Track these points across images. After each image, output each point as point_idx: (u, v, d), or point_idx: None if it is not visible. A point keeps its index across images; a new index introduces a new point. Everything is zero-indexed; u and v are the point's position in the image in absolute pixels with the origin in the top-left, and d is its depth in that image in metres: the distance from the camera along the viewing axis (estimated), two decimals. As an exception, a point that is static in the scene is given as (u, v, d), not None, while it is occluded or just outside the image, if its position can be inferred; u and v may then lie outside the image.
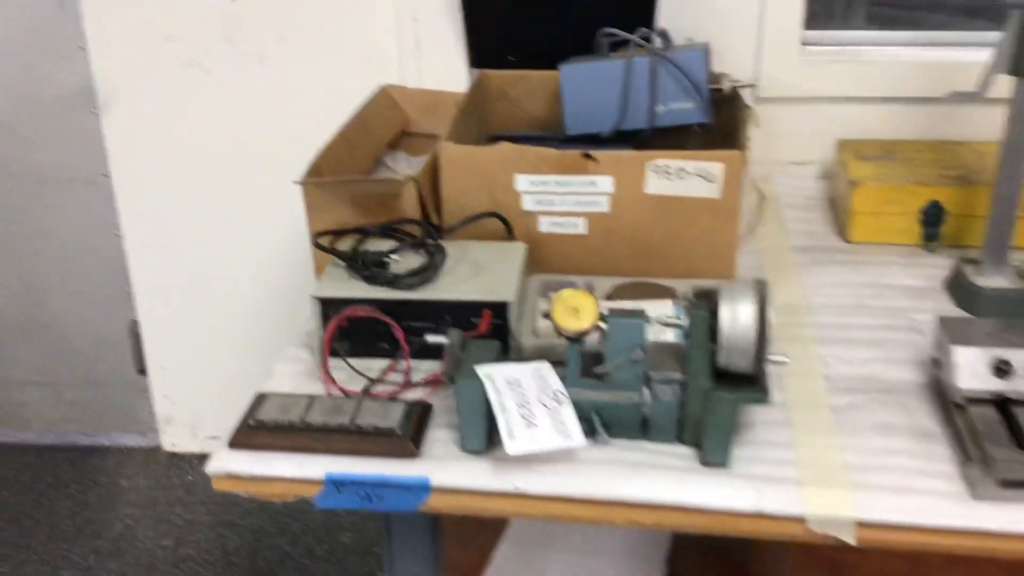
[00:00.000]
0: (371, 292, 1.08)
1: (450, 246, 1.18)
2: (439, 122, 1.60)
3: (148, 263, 1.92)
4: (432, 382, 1.05)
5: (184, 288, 1.92)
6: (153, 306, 1.96)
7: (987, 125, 1.41)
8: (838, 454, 0.93)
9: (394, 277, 1.08)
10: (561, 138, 1.39)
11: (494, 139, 1.44)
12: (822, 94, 1.58)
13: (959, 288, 1.21)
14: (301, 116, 1.75)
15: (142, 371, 2.03)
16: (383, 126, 1.57)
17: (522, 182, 1.21)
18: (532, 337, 1.07)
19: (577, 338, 0.93)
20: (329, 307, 1.08)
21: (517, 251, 1.17)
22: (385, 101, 1.59)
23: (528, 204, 1.22)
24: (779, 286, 1.26)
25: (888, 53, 1.61)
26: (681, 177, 1.18)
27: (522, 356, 1.06)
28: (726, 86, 1.39)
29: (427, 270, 1.10)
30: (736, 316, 0.89)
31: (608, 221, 1.21)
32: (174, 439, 2.09)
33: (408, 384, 1.05)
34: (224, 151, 1.82)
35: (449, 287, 1.08)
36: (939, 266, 1.29)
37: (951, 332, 0.99)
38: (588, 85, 1.36)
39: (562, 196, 1.21)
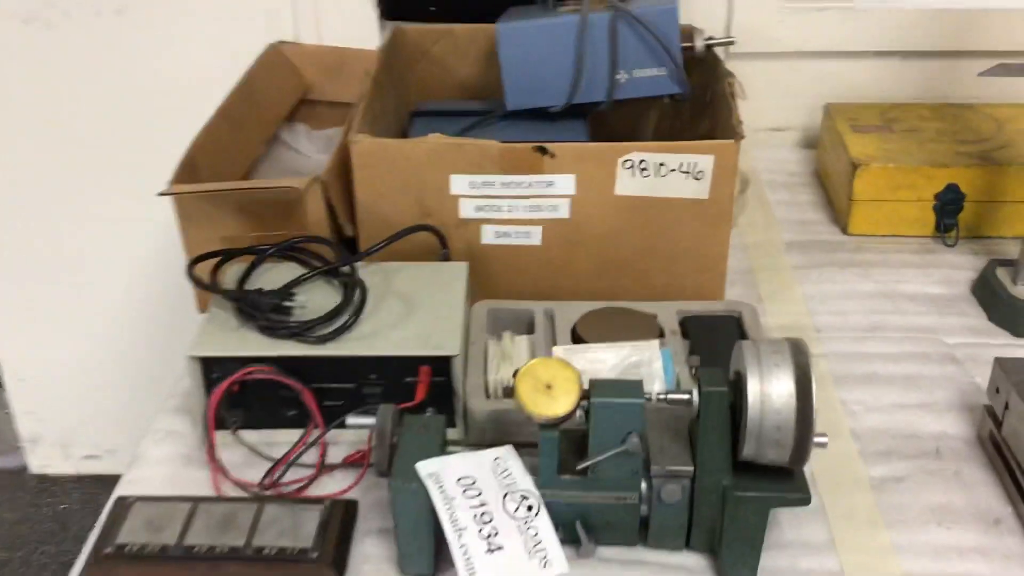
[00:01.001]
0: (270, 347, 0.83)
1: (370, 270, 0.93)
2: (345, 87, 1.34)
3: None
4: (358, 461, 0.82)
5: (42, 291, 1.63)
6: (3, 310, 1.67)
7: (1001, 84, 1.21)
8: (892, 560, 0.74)
9: (300, 326, 0.84)
10: (500, 112, 1.15)
11: (416, 114, 1.19)
12: (804, 48, 1.36)
13: (993, 298, 1.03)
14: (171, 82, 1.45)
15: (-2, 384, 1.74)
16: (276, 95, 1.29)
17: (459, 183, 0.96)
18: (484, 401, 0.84)
19: (553, 424, 0.71)
20: (213, 368, 0.83)
21: (456, 275, 0.93)
22: (277, 63, 1.32)
23: (467, 210, 0.98)
24: (776, 301, 1.06)
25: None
26: (661, 174, 0.95)
27: (473, 426, 0.83)
28: (699, 45, 1.15)
29: (342, 312, 0.85)
30: (769, 395, 0.68)
31: (569, 230, 0.98)
32: (44, 460, 1.81)
33: (324, 468, 0.82)
34: (77, 129, 1.51)
35: (373, 337, 0.84)
36: (961, 265, 1.11)
37: (1017, 381, 0.80)
38: (533, 49, 1.11)
39: (510, 200, 0.97)
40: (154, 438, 0.87)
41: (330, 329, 0.83)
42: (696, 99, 1.15)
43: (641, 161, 0.95)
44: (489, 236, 0.99)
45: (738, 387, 0.71)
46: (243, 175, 1.16)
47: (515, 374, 0.72)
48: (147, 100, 1.48)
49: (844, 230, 1.18)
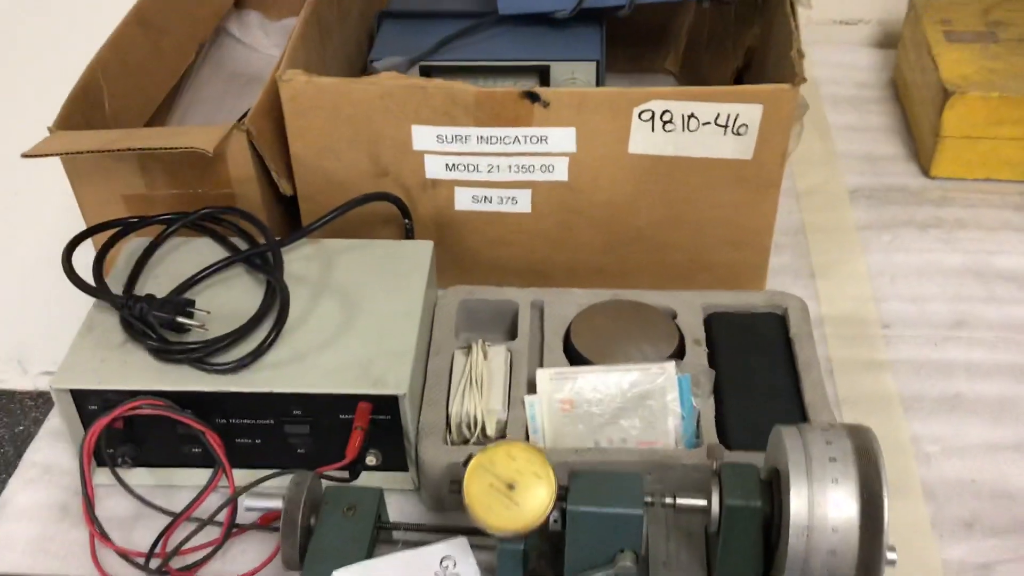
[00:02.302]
0: (160, 377, 0.65)
1: (306, 251, 0.74)
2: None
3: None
4: (272, 522, 0.66)
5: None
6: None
7: None
8: None
9: (201, 348, 0.65)
10: (491, 19, 0.92)
11: (385, 15, 0.96)
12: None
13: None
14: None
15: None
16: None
17: (423, 136, 0.75)
18: (441, 448, 0.66)
19: (516, 537, 0.53)
20: (89, 399, 0.66)
21: (418, 261, 0.74)
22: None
23: (435, 169, 0.77)
24: (833, 277, 0.85)
25: None
26: (690, 128, 0.74)
27: (428, 477, 0.66)
28: (751, -74, 0.90)
29: (257, 327, 0.67)
30: (821, 517, 0.49)
31: (567, 195, 0.78)
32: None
33: (232, 531, 0.65)
34: None
35: (296, 363, 0.65)
36: (1078, 230, 0.89)
37: None
38: (532, -66, 0.88)
39: (490, 158, 0.76)
40: (25, 475, 0.70)
41: (239, 356, 0.65)
42: (743, 5, 0.91)
43: (664, 112, 0.73)
44: (464, 201, 0.79)
45: (774, 488, 0.52)
46: (166, 95, 0.95)
47: (467, 461, 0.53)
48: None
49: (926, 171, 0.95)
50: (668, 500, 0.53)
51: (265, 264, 0.72)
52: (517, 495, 0.52)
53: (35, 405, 1.67)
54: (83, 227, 0.79)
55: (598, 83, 0.89)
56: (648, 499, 0.52)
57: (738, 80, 0.96)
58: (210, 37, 1.06)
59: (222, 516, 0.63)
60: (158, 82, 0.93)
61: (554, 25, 0.92)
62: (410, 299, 0.70)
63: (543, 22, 0.92)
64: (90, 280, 0.70)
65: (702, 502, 0.53)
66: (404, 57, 0.88)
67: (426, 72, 0.89)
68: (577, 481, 0.53)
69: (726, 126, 0.73)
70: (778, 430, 0.53)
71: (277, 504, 0.58)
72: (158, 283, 0.72)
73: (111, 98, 0.85)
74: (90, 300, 0.70)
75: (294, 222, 0.82)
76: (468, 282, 0.80)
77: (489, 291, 0.78)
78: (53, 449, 0.72)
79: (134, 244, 0.75)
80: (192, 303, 0.68)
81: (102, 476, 0.69)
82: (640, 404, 0.67)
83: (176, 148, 0.71)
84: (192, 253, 0.74)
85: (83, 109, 0.81)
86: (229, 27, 1.12)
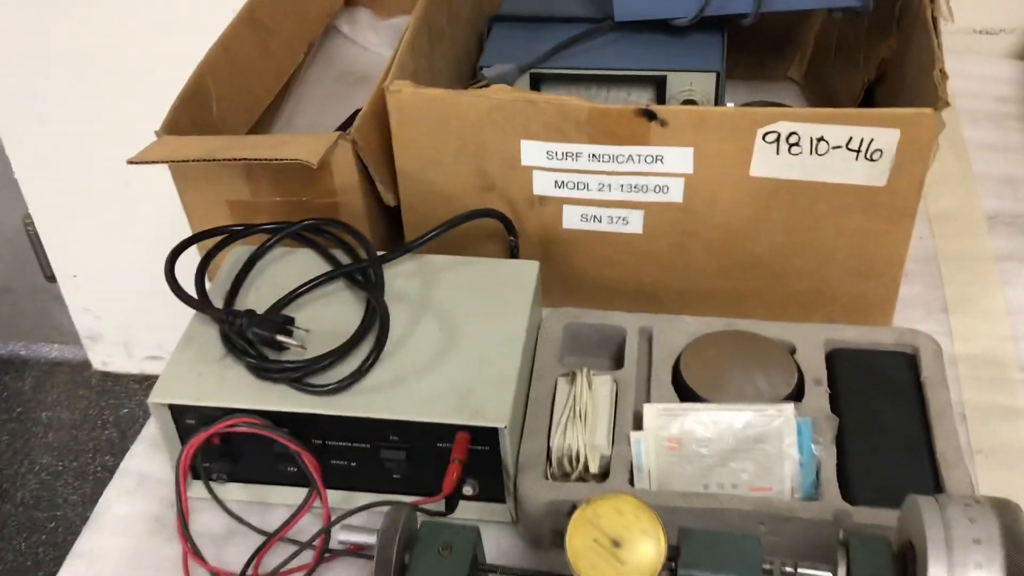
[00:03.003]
0: (258, 395, 0.64)
1: (407, 267, 0.72)
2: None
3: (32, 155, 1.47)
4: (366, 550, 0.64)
5: (90, 186, 1.48)
6: (46, 203, 1.53)
7: None
8: None
9: (299, 368, 0.64)
10: (606, 25, 0.88)
11: (497, 19, 0.93)
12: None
13: None
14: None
15: (51, 278, 1.64)
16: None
17: (532, 152, 0.73)
18: (542, 484, 0.63)
19: (619, 596, 0.50)
20: (187, 413, 0.65)
21: (522, 283, 0.71)
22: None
23: (543, 186, 0.74)
24: (967, 312, 0.80)
25: None
26: (819, 152, 0.69)
27: (527, 513, 0.63)
28: (891, -71, 0.85)
29: (355, 347, 0.65)
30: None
31: (682, 217, 0.74)
32: (106, 358, 1.72)
33: (324, 557, 0.64)
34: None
35: (395, 388, 0.64)
36: None
37: None
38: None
39: (602, 176, 0.73)
40: (122, 485, 0.70)
41: (337, 378, 0.63)
42: (878, 7, 0.86)
43: (791, 134, 0.69)
44: (573, 219, 0.76)
45: (908, 564, 0.48)
46: (276, 96, 0.94)
47: (571, 511, 0.51)
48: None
49: (1074, 198, 0.89)
50: (788, 568, 0.49)
51: (366, 280, 0.70)
52: (623, 553, 0.49)
53: (140, 388, 1.71)
54: (187, 220, 0.79)
55: (717, 95, 0.85)
56: (767, 566, 0.49)
57: (869, 94, 0.90)
58: (319, 36, 1.05)
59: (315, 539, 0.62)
60: (266, 83, 0.92)
61: (672, 32, 0.88)
62: (514, 323, 0.68)
63: (660, 28, 0.88)
64: (192, 289, 0.69)
65: (826, 575, 0.49)
66: (514, 64, 0.85)
67: (537, 80, 0.86)
68: (689, 542, 0.50)
69: (858, 151, 0.69)
70: (914, 500, 0.49)
71: (370, 540, 0.56)
72: (259, 294, 0.71)
73: (219, 100, 0.84)
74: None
75: (397, 232, 0.81)
76: (573, 302, 0.77)
77: (595, 315, 0.75)
78: (150, 459, 0.72)
79: (237, 252, 0.75)
80: (292, 321, 0.66)
81: (196, 489, 0.68)
82: (753, 447, 0.63)
83: (281, 160, 0.69)
84: (294, 264, 0.73)
85: (191, 112, 0.81)
86: (339, 25, 1.11)
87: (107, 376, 1.74)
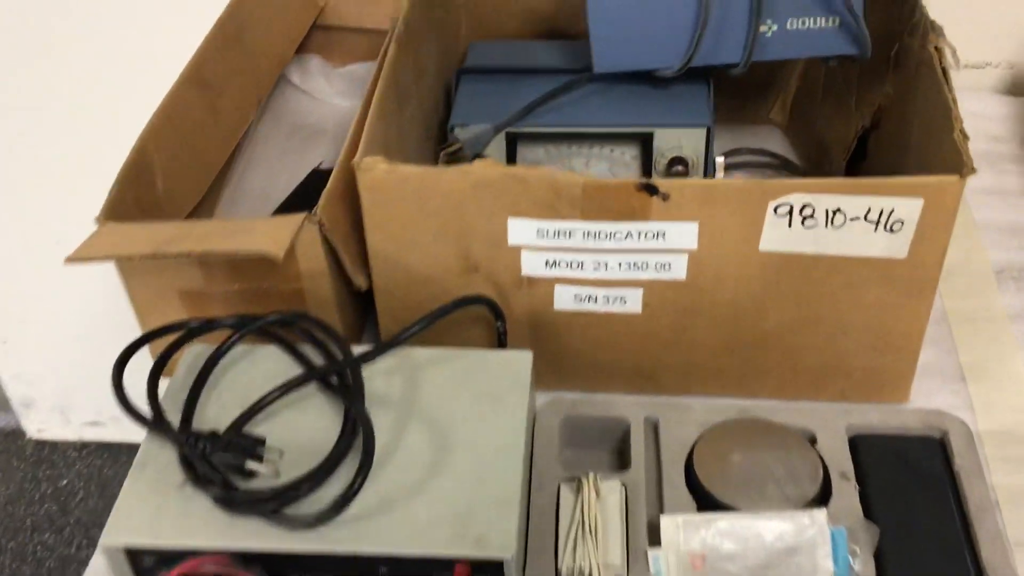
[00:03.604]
0: (224, 531, 0.56)
1: (386, 364, 0.65)
2: (372, 7, 1.03)
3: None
4: None
5: (7, 246, 1.38)
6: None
7: None
8: None
9: (270, 496, 0.57)
10: (585, 77, 0.82)
11: (465, 73, 0.87)
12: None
13: None
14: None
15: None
16: (276, 24, 0.98)
17: (520, 230, 0.66)
18: (553, 616, 0.57)
19: None
20: (144, 556, 0.57)
21: (516, 378, 0.65)
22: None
23: (532, 266, 0.68)
24: (985, 380, 0.75)
25: None
26: (835, 224, 0.64)
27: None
28: (883, -31, 0.80)
29: (335, 468, 0.58)
30: None
31: (685, 295, 0.68)
32: (41, 425, 1.61)
33: None
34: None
35: (382, 515, 0.57)
36: None
37: None
38: (636, -16, 0.78)
39: (599, 255, 0.67)
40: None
41: (316, 509, 0.56)
42: (876, 63, 0.81)
43: (804, 206, 0.63)
44: (566, 300, 0.70)
45: None
46: (224, 161, 0.87)
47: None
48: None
49: (1083, 248, 0.85)
50: None
51: (342, 384, 0.63)
52: None
53: (79, 456, 1.61)
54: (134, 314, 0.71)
55: (707, 151, 0.80)
56: None
57: (862, 141, 0.86)
58: (267, 93, 0.98)
59: None
60: (216, 149, 0.85)
61: (656, 83, 0.82)
62: (511, 428, 0.61)
63: (643, 79, 0.82)
64: (143, 396, 0.62)
65: None
66: (488, 124, 0.79)
67: (513, 139, 0.80)
68: None
69: (878, 222, 0.63)
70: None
71: None
72: (221, 403, 0.64)
73: (164, 174, 0.77)
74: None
75: (370, 315, 0.74)
76: (566, 385, 0.71)
77: (595, 404, 0.68)
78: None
79: (195, 351, 0.67)
80: (262, 442, 0.59)
81: (158, 631, 0.60)
82: (785, 560, 0.58)
83: (239, 252, 0.62)
84: (259, 364, 0.66)
85: (135, 189, 0.73)
86: (289, 75, 1.03)
87: (43, 444, 1.63)
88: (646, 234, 0.65)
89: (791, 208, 0.63)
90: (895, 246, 0.64)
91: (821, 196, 0.63)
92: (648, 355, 0.72)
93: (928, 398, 0.72)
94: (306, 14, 1.02)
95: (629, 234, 0.65)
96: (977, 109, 1.01)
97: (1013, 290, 0.82)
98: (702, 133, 0.79)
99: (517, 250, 0.67)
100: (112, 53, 1.23)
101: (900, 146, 0.77)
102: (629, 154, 0.81)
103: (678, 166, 0.79)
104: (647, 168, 0.80)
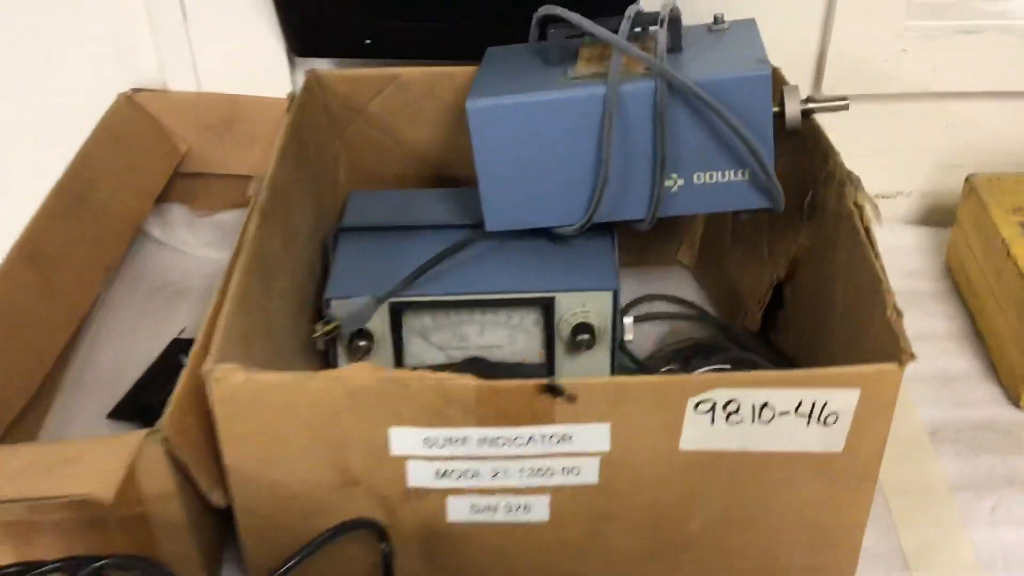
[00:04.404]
0: None
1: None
2: (239, 150, 0.95)
3: None
4: None
5: None
6: None
7: None
8: None
9: None
10: (477, 234, 0.75)
11: (344, 231, 0.79)
12: (927, 88, 0.96)
13: None
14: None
15: None
16: (129, 180, 0.89)
17: (404, 440, 0.57)
18: None
19: None
20: None
21: (404, 618, 0.55)
22: (133, 121, 0.91)
23: (420, 477, 0.59)
24: (932, 567, 0.68)
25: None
26: (763, 419, 0.57)
27: None
28: (792, 111, 0.74)
29: None
30: None
31: (598, 499, 0.60)
32: None
33: None
34: None
35: None
36: None
37: None
38: (526, 139, 0.71)
39: (496, 462, 0.58)
40: None
41: None
42: (789, 215, 0.75)
43: (728, 403, 0.56)
44: (460, 511, 0.61)
45: None
46: (64, 343, 0.76)
47: None
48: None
49: (1015, 400, 0.80)
50: None
51: (193, 644, 0.53)
52: None
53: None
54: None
55: (614, 315, 0.72)
56: None
57: (777, 292, 0.80)
58: (125, 247, 0.88)
59: None
60: (51, 334, 0.75)
61: (555, 240, 0.75)
62: None
63: (541, 235, 0.75)
64: None
65: None
66: (369, 295, 0.71)
67: (397, 311, 0.72)
68: None
69: (810, 415, 0.57)
70: None
71: None
72: (42, 673, 0.52)
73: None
74: None
75: (231, 532, 0.64)
76: (467, 602, 0.62)
77: (498, 635, 0.59)
78: None
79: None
80: None
81: None
82: None
83: (58, 497, 0.52)
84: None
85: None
86: (148, 228, 0.94)
87: None
88: (551, 438, 0.57)
89: (714, 404, 0.56)
90: (830, 439, 0.57)
91: (747, 391, 0.56)
92: (559, 566, 0.63)
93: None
94: (165, 162, 0.93)
95: (532, 438, 0.57)
96: (893, 242, 0.97)
97: (951, 455, 0.76)
98: (608, 297, 0.72)
99: (402, 461, 0.58)
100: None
101: (823, 303, 0.72)
102: (529, 320, 0.73)
103: (584, 334, 0.72)
104: (550, 334, 0.73)
